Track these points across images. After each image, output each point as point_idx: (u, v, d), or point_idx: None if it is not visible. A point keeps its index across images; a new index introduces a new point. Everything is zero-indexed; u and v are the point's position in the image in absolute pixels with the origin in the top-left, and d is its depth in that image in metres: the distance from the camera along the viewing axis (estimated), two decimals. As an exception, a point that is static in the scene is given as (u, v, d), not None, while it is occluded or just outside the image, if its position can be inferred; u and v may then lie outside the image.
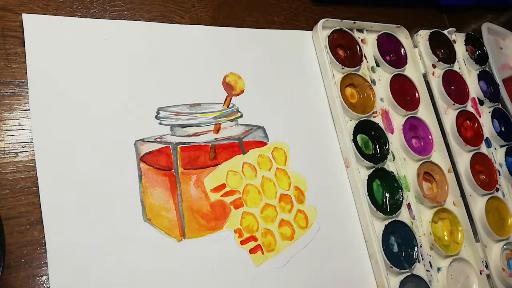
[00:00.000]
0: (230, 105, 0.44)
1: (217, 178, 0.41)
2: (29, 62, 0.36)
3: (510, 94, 0.63)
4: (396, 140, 0.52)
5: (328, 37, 0.51)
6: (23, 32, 0.36)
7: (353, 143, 0.47)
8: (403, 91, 0.54)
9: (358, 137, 0.49)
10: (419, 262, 0.47)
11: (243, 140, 0.43)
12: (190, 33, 0.45)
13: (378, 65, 0.54)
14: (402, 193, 0.48)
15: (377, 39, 0.54)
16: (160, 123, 0.40)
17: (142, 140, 0.38)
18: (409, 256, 0.46)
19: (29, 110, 0.35)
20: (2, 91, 0.35)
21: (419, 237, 0.48)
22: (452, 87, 0.58)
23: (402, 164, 0.51)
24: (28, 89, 0.35)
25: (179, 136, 0.40)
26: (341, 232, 0.45)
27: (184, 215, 0.38)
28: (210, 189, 0.40)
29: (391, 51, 0.56)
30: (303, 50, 0.51)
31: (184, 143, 0.40)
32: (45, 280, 0.32)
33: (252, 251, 0.40)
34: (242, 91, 0.45)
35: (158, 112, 0.40)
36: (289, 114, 0.47)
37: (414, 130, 0.53)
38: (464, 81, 0.59)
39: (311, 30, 0.52)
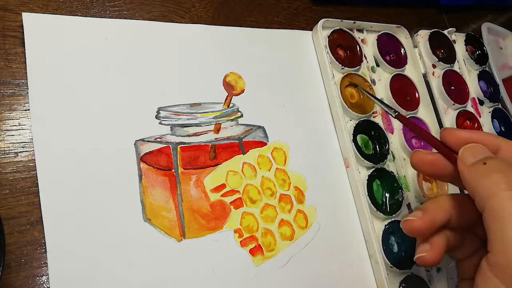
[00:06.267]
0: (231, 105, 0.44)
1: (217, 178, 0.41)
2: (29, 62, 0.36)
3: (510, 94, 0.64)
4: (396, 140, 0.52)
5: (328, 37, 0.51)
6: (23, 32, 0.36)
7: (353, 143, 0.48)
8: (403, 91, 0.54)
9: (358, 137, 0.49)
10: (419, 262, 0.47)
11: (243, 140, 0.43)
12: (190, 32, 0.45)
13: (378, 65, 0.54)
14: (402, 193, 0.48)
15: (377, 39, 0.54)
16: (160, 123, 0.40)
17: (142, 140, 0.38)
18: (409, 256, 0.46)
19: (29, 110, 0.35)
20: (2, 91, 0.35)
21: (419, 237, 0.48)
22: (452, 87, 0.58)
23: (402, 164, 0.51)
24: (28, 89, 0.35)
25: (179, 136, 0.40)
26: (341, 232, 0.45)
27: (184, 215, 0.38)
28: (210, 189, 0.40)
29: (391, 51, 0.56)
30: (303, 50, 0.51)
31: (184, 143, 0.40)
32: (45, 280, 0.32)
33: (252, 251, 0.40)
34: (243, 91, 0.45)
35: (158, 112, 0.40)
36: (289, 114, 0.47)
37: (414, 130, 0.54)
38: (464, 81, 0.59)
39: (311, 30, 0.52)
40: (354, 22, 0.53)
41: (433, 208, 0.33)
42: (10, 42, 0.36)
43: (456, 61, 0.60)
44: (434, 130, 0.54)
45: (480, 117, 0.59)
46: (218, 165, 0.41)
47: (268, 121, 0.45)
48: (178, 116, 0.41)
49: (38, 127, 0.35)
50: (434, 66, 0.57)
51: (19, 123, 0.35)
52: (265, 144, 0.44)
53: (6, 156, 0.34)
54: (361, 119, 0.49)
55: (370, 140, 0.50)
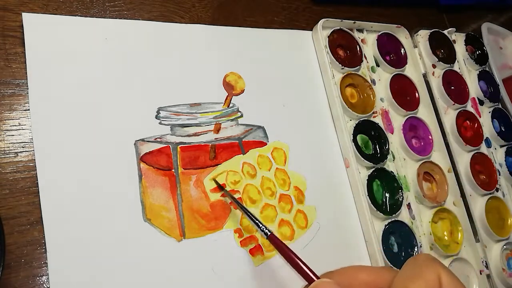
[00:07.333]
0: (230, 105, 0.44)
1: (217, 178, 0.41)
2: (29, 62, 0.36)
3: (510, 94, 0.64)
4: (396, 140, 0.52)
5: (328, 37, 0.51)
6: (23, 32, 0.36)
7: (353, 143, 0.47)
8: (403, 91, 0.54)
9: (358, 137, 0.49)
10: (419, 262, 0.47)
11: (243, 140, 0.43)
12: (190, 32, 0.45)
13: (378, 65, 0.54)
14: (402, 193, 0.48)
15: (377, 39, 0.54)
16: (160, 123, 0.40)
17: (142, 140, 0.38)
18: (409, 256, 0.46)
19: (29, 110, 0.35)
20: (2, 91, 0.35)
21: (419, 237, 0.48)
22: (452, 87, 0.58)
23: (402, 164, 0.51)
24: (28, 89, 0.35)
25: (179, 136, 0.40)
26: (341, 232, 0.45)
27: (184, 215, 0.38)
28: (210, 189, 0.40)
29: (391, 51, 0.56)
30: (303, 50, 0.51)
31: (184, 143, 0.40)
32: (45, 280, 0.32)
33: (252, 251, 0.40)
34: (243, 91, 0.45)
35: (158, 112, 0.40)
36: (289, 114, 0.47)
37: (414, 130, 0.53)
38: (464, 81, 0.59)
39: (311, 30, 0.52)
40: (354, 22, 0.53)
41: None
42: (10, 42, 0.36)
43: (456, 61, 0.60)
44: (434, 130, 0.54)
45: (480, 117, 0.59)
46: (218, 165, 0.41)
47: (268, 121, 0.45)
48: (178, 116, 0.41)
49: (38, 127, 0.35)
50: (434, 66, 0.57)
51: (19, 123, 0.35)
52: (265, 144, 0.44)
53: (6, 156, 0.34)
54: (361, 119, 0.49)
55: (370, 140, 0.50)
